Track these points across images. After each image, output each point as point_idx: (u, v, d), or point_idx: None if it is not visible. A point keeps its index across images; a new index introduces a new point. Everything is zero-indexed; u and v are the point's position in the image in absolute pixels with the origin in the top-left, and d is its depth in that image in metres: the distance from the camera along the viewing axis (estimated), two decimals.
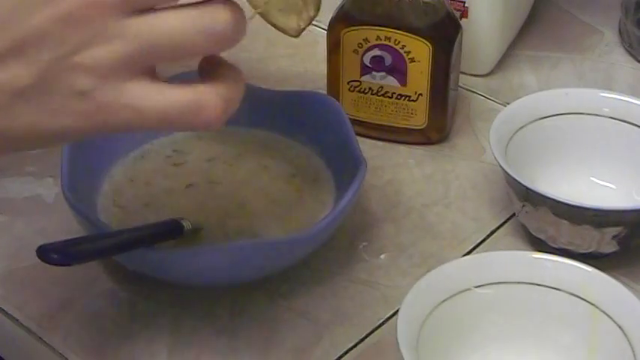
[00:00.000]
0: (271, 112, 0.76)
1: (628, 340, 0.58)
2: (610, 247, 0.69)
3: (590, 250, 0.69)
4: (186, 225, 0.67)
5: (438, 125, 0.80)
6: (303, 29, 0.56)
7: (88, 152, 0.71)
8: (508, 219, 0.75)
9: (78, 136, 0.47)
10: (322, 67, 0.82)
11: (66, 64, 0.44)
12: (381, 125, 0.81)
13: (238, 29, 0.48)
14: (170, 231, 0.66)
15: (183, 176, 0.74)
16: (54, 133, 0.46)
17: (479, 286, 0.61)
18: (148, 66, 0.47)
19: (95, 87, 0.45)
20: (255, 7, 0.52)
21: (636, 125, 0.73)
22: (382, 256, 0.72)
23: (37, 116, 0.45)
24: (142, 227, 0.65)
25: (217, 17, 0.47)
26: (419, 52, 0.76)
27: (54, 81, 0.45)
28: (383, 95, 0.79)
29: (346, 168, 0.70)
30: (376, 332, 0.67)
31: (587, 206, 0.66)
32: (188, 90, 0.48)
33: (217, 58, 0.50)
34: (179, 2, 0.47)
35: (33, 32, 0.44)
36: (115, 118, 0.46)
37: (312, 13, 0.56)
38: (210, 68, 0.50)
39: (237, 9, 0.48)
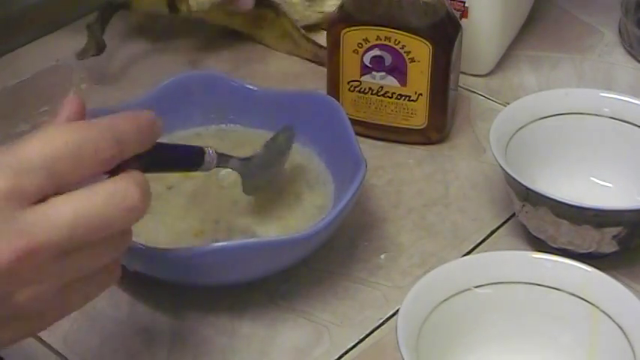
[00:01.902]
0: (271, 112, 0.76)
1: (628, 340, 0.58)
2: (610, 247, 0.69)
3: (590, 250, 0.69)
4: (208, 154, 0.63)
5: (438, 125, 0.80)
6: None
7: None
8: (508, 219, 0.75)
9: None
10: (322, 68, 0.82)
11: None
12: (381, 125, 0.81)
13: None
14: (192, 158, 0.63)
15: (183, 175, 0.74)
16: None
17: (479, 286, 0.61)
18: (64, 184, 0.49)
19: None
20: None
21: (636, 125, 0.73)
22: (382, 256, 0.72)
23: None
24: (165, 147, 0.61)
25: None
26: (419, 52, 0.76)
27: None
28: (383, 95, 0.79)
29: (346, 168, 0.70)
30: (376, 332, 0.67)
31: (587, 206, 0.66)
32: (104, 185, 0.50)
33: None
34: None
35: None
36: None
37: None
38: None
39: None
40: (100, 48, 0.86)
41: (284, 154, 0.72)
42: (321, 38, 0.87)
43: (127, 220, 0.50)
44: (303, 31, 0.90)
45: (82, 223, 0.48)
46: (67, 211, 0.48)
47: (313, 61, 0.90)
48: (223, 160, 0.66)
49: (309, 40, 0.90)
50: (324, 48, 0.88)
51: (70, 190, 0.49)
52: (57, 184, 0.48)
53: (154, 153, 0.55)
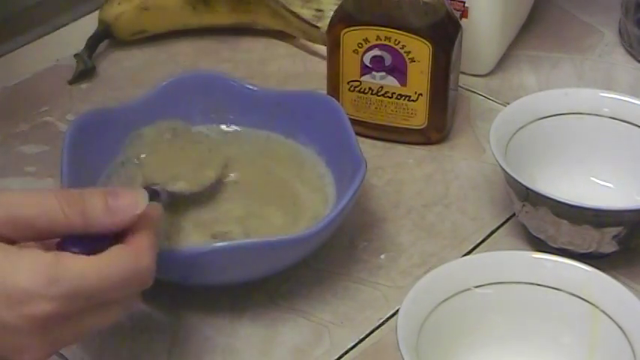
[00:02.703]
0: (271, 112, 0.76)
1: (628, 340, 0.58)
2: (610, 247, 0.69)
3: (590, 250, 0.69)
4: (162, 191, 0.65)
5: (438, 125, 0.80)
6: None
7: (87, 152, 0.71)
8: (508, 219, 0.75)
9: None
10: (322, 67, 0.82)
11: None
12: (381, 125, 0.81)
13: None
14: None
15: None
16: None
17: (479, 286, 0.61)
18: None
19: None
20: None
21: (636, 125, 0.73)
22: (382, 256, 0.72)
23: None
24: None
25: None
26: (419, 52, 0.76)
27: None
28: (383, 95, 0.79)
29: (346, 168, 0.70)
30: (376, 332, 0.67)
31: (587, 206, 0.66)
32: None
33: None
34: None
35: None
36: None
37: None
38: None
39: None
40: (90, 73, 0.89)
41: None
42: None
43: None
44: (289, 7, 0.90)
45: (94, 330, 0.56)
46: (89, 325, 0.54)
47: (313, 55, 0.90)
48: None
49: (296, 16, 0.90)
50: (314, 26, 0.89)
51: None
52: (90, 305, 0.53)
53: None
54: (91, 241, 0.54)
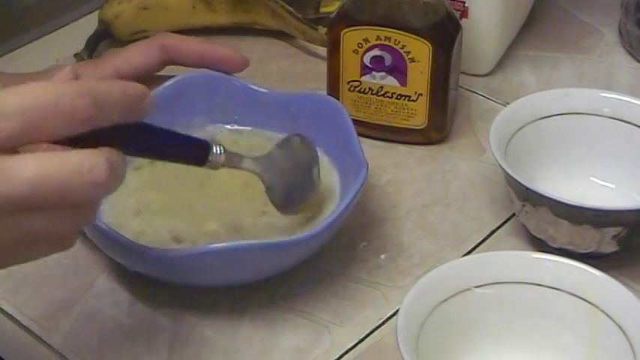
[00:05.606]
0: (271, 112, 0.76)
1: (628, 340, 0.58)
2: (610, 247, 0.69)
3: (590, 250, 0.69)
4: (215, 152, 0.60)
5: (438, 125, 0.80)
6: None
7: None
8: (508, 219, 0.75)
9: None
10: (322, 67, 0.82)
11: None
12: (381, 125, 0.81)
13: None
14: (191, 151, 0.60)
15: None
16: None
17: (479, 286, 0.61)
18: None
19: None
20: None
21: (636, 125, 0.73)
22: (382, 256, 0.72)
23: None
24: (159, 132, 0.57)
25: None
26: (419, 52, 0.76)
27: None
28: (383, 95, 0.79)
29: (348, 168, 0.70)
30: (376, 332, 0.67)
31: (587, 206, 0.66)
32: (74, 153, 0.49)
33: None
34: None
35: None
36: None
37: None
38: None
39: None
40: None
41: (311, 163, 0.69)
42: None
43: (88, 193, 0.50)
44: (289, 8, 0.90)
45: (42, 184, 0.48)
46: (30, 169, 0.48)
47: (314, 55, 0.90)
48: (235, 159, 0.63)
49: (295, 17, 0.90)
50: (312, 27, 0.89)
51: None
52: (29, 135, 0.48)
53: (143, 135, 0.53)
54: None
